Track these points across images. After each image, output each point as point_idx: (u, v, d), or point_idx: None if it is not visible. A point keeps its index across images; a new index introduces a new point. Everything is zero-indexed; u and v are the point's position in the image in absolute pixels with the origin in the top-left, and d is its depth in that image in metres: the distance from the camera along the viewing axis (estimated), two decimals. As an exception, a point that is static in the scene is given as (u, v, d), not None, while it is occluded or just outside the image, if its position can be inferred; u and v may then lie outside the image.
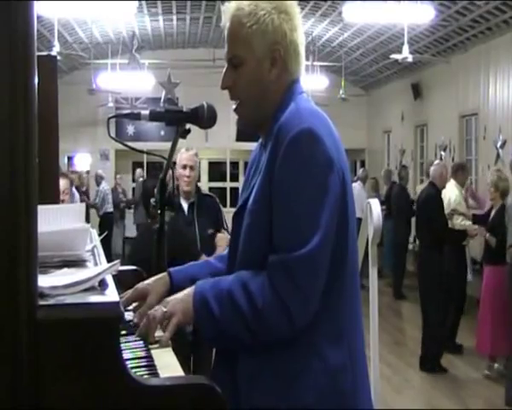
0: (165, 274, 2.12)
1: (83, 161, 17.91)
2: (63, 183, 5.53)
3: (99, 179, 14.98)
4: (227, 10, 1.96)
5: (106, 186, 14.83)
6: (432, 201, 7.34)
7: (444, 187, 7.55)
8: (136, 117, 2.34)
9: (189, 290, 1.88)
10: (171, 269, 2.16)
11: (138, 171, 16.41)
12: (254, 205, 1.87)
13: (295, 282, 1.75)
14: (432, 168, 7.59)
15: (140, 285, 2.07)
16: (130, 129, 17.48)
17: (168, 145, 2.22)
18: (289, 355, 1.82)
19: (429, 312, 7.38)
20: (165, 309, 1.86)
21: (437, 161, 7.98)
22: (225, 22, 1.97)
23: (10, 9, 1.49)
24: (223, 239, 4.65)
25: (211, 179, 19.44)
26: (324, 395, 1.82)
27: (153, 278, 2.14)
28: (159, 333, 1.91)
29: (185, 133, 2.28)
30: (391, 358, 7.81)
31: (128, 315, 2.10)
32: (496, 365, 7.23)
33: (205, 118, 2.21)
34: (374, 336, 3.69)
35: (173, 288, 2.04)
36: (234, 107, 2.00)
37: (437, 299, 7.31)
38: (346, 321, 1.89)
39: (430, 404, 6.58)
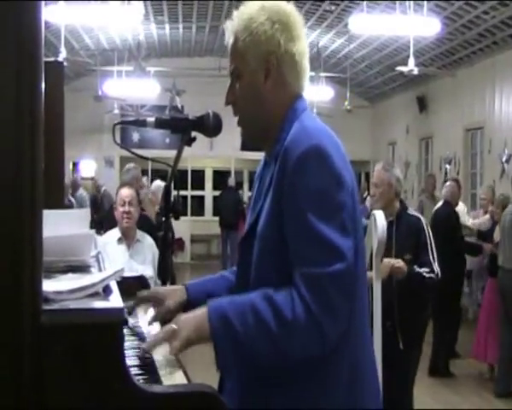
0: (181, 286, 2.09)
1: (88, 168, 17.93)
2: (127, 193, 5.00)
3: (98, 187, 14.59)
4: (229, 26, 1.96)
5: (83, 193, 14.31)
6: (450, 219, 7.64)
7: (457, 204, 7.83)
8: (142, 124, 2.35)
9: (202, 308, 1.75)
10: (188, 283, 2.13)
11: (143, 179, 16.28)
12: (264, 229, 1.83)
13: (328, 297, 1.69)
14: (444, 189, 7.93)
15: (158, 288, 2.06)
16: (136, 136, 17.51)
17: (173, 153, 2.22)
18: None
19: (441, 319, 7.56)
20: (175, 326, 1.74)
21: (449, 182, 8.19)
22: (228, 38, 1.96)
23: (17, 11, 1.50)
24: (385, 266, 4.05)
25: (215, 188, 19.45)
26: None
27: (170, 286, 2.12)
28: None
29: (190, 141, 2.28)
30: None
31: (136, 322, 2.10)
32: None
33: (210, 126, 2.21)
34: (377, 346, 3.67)
35: (190, 300, 2.00)
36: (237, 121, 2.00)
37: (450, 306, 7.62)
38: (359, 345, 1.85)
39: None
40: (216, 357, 1.70)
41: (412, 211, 4.57)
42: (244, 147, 14.82)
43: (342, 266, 1.70)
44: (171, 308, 1.95)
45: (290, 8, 1.94)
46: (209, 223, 18.29)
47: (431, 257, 4.20)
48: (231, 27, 1.95)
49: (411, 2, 9.72)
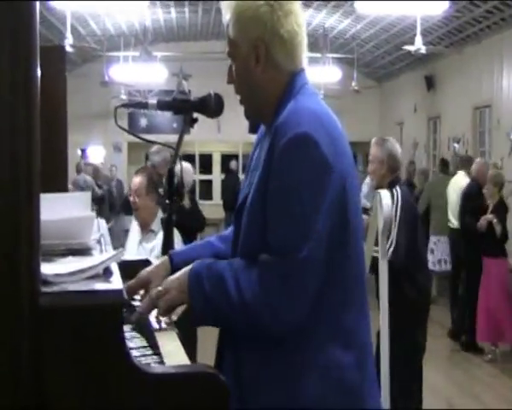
0: (165, 258, 2.13)
1: (96, 154, 17.95)
2: (135, 181, 4.71)
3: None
4: (223, 5, 1.98)
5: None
6: (477, 198, 7.77)
7: (485, 183, 7.79)
8: (144, 106, 2.38)
9: (185, 269, 1.89)
10: (172, 251, 2.17)
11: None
12: (251, 204, 1.87)
13: (285, 284, 1.75)
14: (474, 166, 8.11)
15: (142, 273, 2.08)
16: (143, 121, 17.50)
17: (181, 137, 2.24)
18: (293, 355, 1.82)
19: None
20: (161, 288, 1.88)
21: (478, 159, 8.30)
22: (224, 17, 1.99)
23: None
24: None
25: (223, 172, 19.43)
26: (330, 393, 1.81)
27: (154, 264, 2.16)
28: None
29: (193, 122, 2.30)
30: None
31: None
32: (497, 350, 7.57)
33: (212, 107, 2.24)
34: (384, 330, 3.67)
35: (175, 270, 2.03)
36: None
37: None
38: (353, 322, 1.87)
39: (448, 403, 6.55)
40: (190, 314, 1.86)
41: (398, 187, 4.35)
42: (252, 130, 14.73)
43: (307, 251, 1.74)
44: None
45: None
46: (217, 207, 18.27)
47: (393, 233, 4.06)
48: (224, 8, 1.96)
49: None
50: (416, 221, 4.37)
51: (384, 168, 4.27)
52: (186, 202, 6.50)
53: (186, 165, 6.94)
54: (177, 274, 1.90)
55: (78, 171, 13.19)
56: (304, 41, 1.96)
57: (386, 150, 4.32)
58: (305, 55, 1.97)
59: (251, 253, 1.84)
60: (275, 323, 1.77)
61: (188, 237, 6.32)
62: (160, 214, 4.69)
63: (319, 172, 1.78)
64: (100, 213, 5.86)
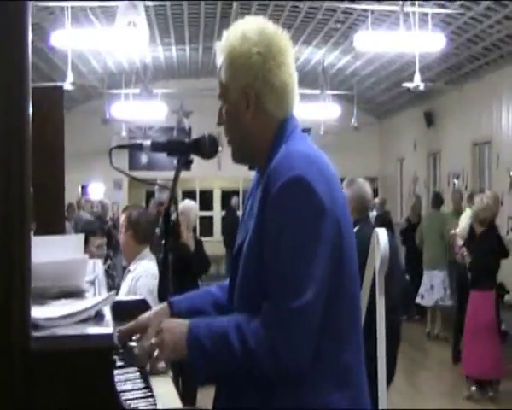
0: (165, 305, 2.10)
1: (96, 190, 17.99)
2: (122, 217, 4.56)
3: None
4: (217, 48, 1.99)
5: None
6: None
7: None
8: (138, 148, 2.37)
9: (184, 327, 1.84)
10: (172, 299, 2.15)
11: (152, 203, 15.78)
12: (247, 253, 1.86)
13: (288, 331, 1.74)
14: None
15: (140, 318, 2.06)
16: (144, 159, 17.56)
17: (182, 174, 2.23)
18: (293, 397, 1.80)
19: None
20: (154, 341, 1.84)
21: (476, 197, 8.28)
22: (218, 59, 1.99)
23: (4, 37, 1.50)
24: None
25: (223, 208, 19.43)
26: None
27: (153, 310, 2.12)
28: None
29: (188, 163, 2.29)
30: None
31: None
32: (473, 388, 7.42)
33: (206, 148, 2.23)
34: (381, 361, 3.65)
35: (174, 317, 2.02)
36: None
37: None
38: (350, 362, 1.86)
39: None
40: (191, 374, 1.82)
41: (358, 226, 4.23)
42: (252, 166, 14.77)
43: (306, 299, 1.73)
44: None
45: (274, 32, 1.94)
46: (218, 243, 18.26)
47: None
48: (219, 50, 1.97)
49: (416, 18, 9.74)
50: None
51: (350, 207, 4.24)
52: (191, 244, 6.45)
53: (190, 203, 6.89)
54: (175, 330, 1.85)
55: (79, 208, 13.20)
56: (295, 89, 1.96)
57: (352, 191, 4.34)
58: (295, 103, 1.97)
59: (247, 301, 1.83)
60: (275, 365, 1.75)
61: (192, 279, 6.29)
62: (145, 255, 4.55)
63: (315, 216, 1.77)
64: (108, 247, 5.82)
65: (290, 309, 1.73)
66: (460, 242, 8.20)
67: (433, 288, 10.10)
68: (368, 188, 4.57)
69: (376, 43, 10.14)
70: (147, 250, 4.55)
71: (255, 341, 1.75)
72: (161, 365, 1.98)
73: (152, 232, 4.69)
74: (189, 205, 6.72)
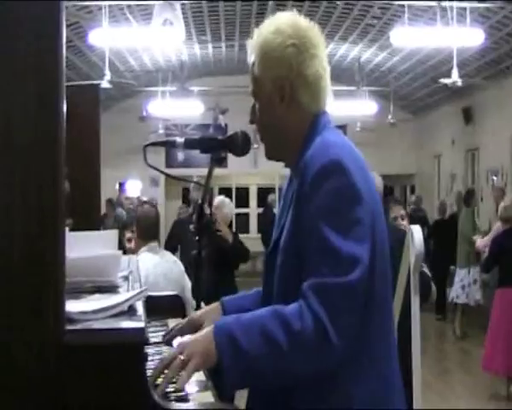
0: (217, 304, 2.11)
1: (133, 187, 18.13)
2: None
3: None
4: (249, 45, 2.00)
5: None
6: None
7: None
8: (171, 145, 2.39)
9: (207, 330, 1.74)
10: (224, 299, 2.14)
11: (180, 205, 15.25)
12: (286, 244, 1.84)
13: (336, 307, 1.68)
14: None
15: (194, 316, 2.06)
16: (180, 156, 17.63)
17: (218, 171, 2.24)
18: (344, 385, 1.76)
19: None
20: (182, 357, 1.67)
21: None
22: (249, 56, 2.01)
23: (37, 37, 1.54)
24: None
25: (259, 205, 19.46)
26: None
27: (206, 308, 2.13)
28: None
29: (221, 160, 2.30)
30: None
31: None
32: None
33: (239, 145, 2.23)
34: (416, 363, 3.63)
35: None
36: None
37: None
38: (385, 350, 1.85)
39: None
40: (219, 382, 1.69)
41: None
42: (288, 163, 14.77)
43: (354, 277, 1.69)
44: None
45: (307, 26, 1.94)
46: (254, 240, 18.28)
47: None
48: (250, 47, 1.98)
49: (454, 13, 9.63)
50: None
51: None
52: (228, 237, 6.56)
53: (224, 198, 6.97)
54: (198, 336, 1.74)
55: (118, 204, 13.29)
56: (328, 84, 1.96)
57: None
58: (329, 98, 1.97)
59: (287, 294, 1.79)
60: (330, 348, 1.66)
61: (229, 271, 6.56)
62: (146, 250, 4.69)
63: (353, 200, 1.75)
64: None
65: (337, 283, 1.68)
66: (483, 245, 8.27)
67: (465, 287, 10.04)
68: (379, 183, 4.51)
69: (413, 38, 10.06)
70: (149, 246, 4.69)
71: (300, 321, 1.66)
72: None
73: (152, 230, 4.83)
74: (223, 200, 6.81)
